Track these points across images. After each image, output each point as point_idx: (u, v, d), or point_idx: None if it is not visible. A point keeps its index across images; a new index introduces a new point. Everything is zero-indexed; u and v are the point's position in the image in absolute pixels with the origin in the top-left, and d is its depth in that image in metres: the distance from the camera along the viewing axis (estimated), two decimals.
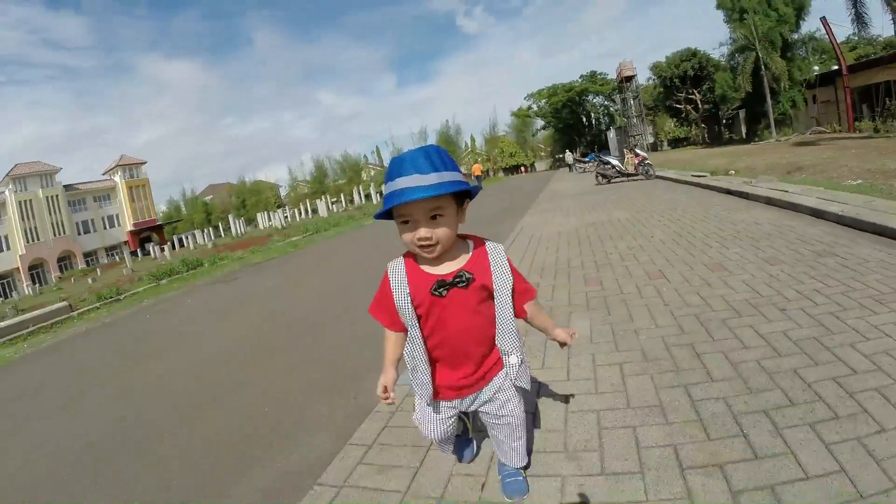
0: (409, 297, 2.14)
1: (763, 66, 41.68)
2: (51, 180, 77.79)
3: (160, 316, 12.26)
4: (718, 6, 47.40)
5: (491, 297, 2.21)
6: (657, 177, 21.34)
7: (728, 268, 5.89)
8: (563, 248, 9.21)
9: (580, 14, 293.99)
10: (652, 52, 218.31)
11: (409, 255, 2.20)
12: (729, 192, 12.48)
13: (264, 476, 3.41)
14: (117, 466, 4.11)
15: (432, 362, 2.31)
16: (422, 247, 2.03)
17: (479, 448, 2.91)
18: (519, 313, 2.32)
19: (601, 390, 3.53)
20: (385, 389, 2.28)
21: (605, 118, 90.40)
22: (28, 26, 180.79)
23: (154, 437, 4.55)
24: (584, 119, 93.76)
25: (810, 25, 44.57)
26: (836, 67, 36.25)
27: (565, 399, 3.45)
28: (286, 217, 70.47)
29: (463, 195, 2.08)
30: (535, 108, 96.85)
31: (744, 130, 53.39)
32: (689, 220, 9.63)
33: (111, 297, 18.98)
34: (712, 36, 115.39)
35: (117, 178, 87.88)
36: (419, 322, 2.20)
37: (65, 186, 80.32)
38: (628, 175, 22.87)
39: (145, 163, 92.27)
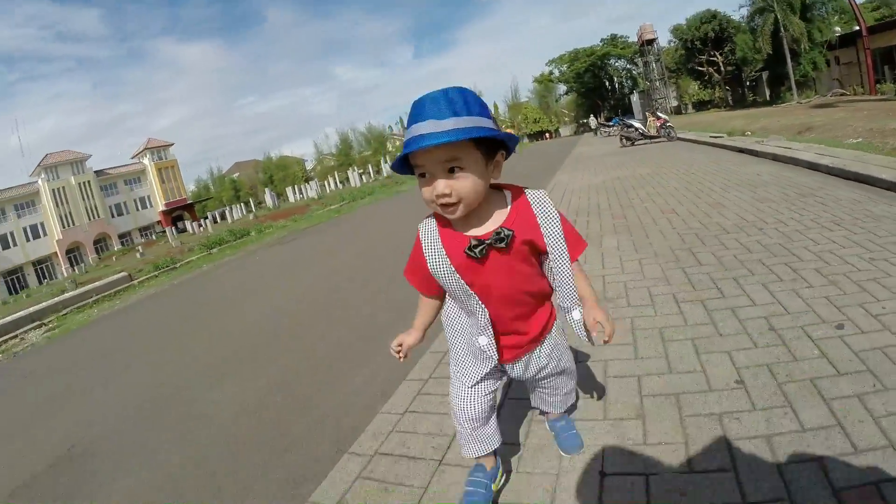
0: (446, 259, 1.89)
1: (782, 28, 42.03)
2: (81, 167, 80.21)
3: (229, 274, 13.97)
4: None
5: (539, 253, 1.96)
6: (679, 138, 22.57)
7: (725, 205, 7.43)
8: (593, 196, 10.88)
9: None
10: (671, 14, 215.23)
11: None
12: (741, 150, 13.80)
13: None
14: (242, 374, 5.35)
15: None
16: (442, 205, 1.76)
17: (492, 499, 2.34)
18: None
19: (626, 272, 5.28)
20: (400, 345, 2.20)
21: (629, 82, 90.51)
22: (42, 21, 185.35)
23: (264, 358, 5.70)
24: (607, 83, 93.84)
25: None
26: (857, 28, 36.24)
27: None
28: (320, 187, 72.47)
29: (494, 145, 1.78)
30: (557, 73, 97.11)
31: (767, 93, 53.76)
32: (701, 174, 11.06)
33: (167, 266, 20.88)
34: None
35: (146, 161, 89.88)
36: (466, 286, 1.94)
37: (95, 172, 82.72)
38: (651, 137, 24.16)
39: (172, 144, 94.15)
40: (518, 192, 1.93)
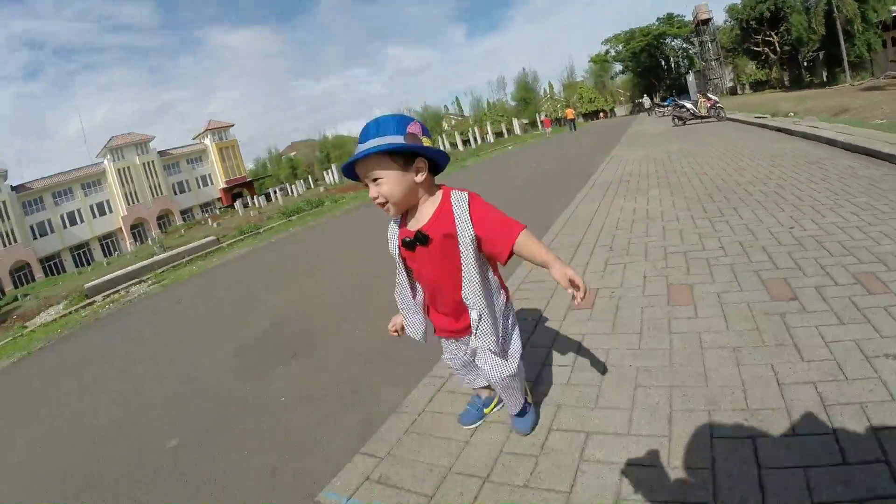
0: (396, 247, 2.39)
1: (835, 8, 42.38)
2: (145, 148, 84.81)
3: (320, 234, 16.05)
4: None
5: (458, 248, 2.23)
6: (728, 118, 24.11)
7: (746, 169, 9.57)
8: (644, 165, 12.97)
9: None
10: None
11: None
12: (779, 129, 15.52)
13: None
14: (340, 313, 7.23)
15: (427, 303, 2.57)
16: (378, 205, 2.20)
17: (482, 420, 2.94)
18: (503, 256, 2.18)
19: (663, 206, 7.58)
20: (394, 325, 2.64)
21: (685, 61, 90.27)
22: (100, 12, 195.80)
23: (365, 298, 6.91)
24: (663, 62, 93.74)
25: None
26: None
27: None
28: None
29: (413, 154, 2.14)
30: (612, 52, 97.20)
31: (824, 73, 53.83)
32: (737, 148, 13.01)
33: (252, 231, 22.96)
34: None
35: (207, 141, 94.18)
36: (405, 269, 2.46)
37: (159, 152, 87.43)
38: (702, 117, 25.80)
39: (232, 125, 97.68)
40: (446, 193, 2.25)
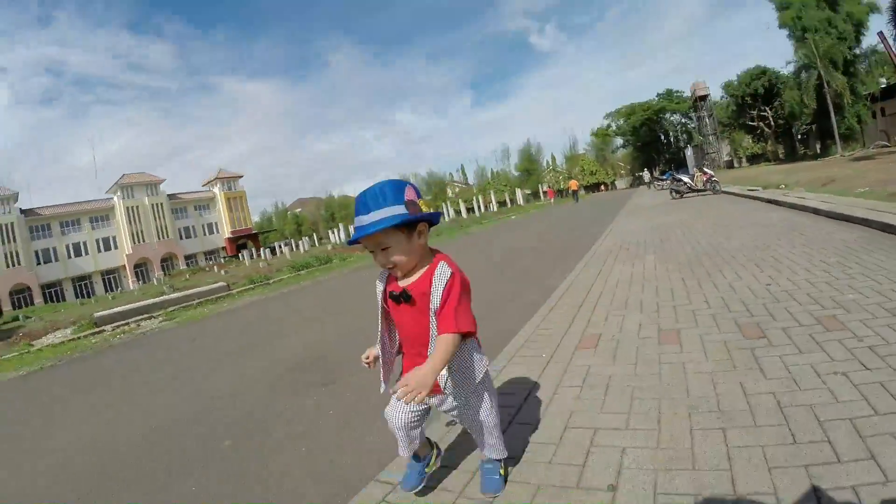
0: (382, 296, 2.59)
1: (826, 84, 43.79)
2: (155, 189, 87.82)
3: (330, 289, 16.78)
4: (781, 25, 49.85)
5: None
6: (723, 191, 25.15)
7: (734, 237, 10.36)
8: (642, 234, 13.75)
9: (651, 29, 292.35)
10: (722, 68, 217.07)
11: None
12: (769, 201, 16.39)
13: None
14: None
15: (404, 353, 2.72)
16: (388, 269, 2.47)
17: (424, 482, 2.94)
18: (439, 329, 2.37)
19: (657, 270, 8.00)
20: (368, 356, 2.74)
21: (684, 135, 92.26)
22: (116, 50, 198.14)
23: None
24: (663, 137, 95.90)
25: (871, 39, 46.11)
26: None
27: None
28: None
29: (416, 222, 2.36)
30: (614, 126, 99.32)
31: (818, 146, 55.44)
32: (728, 219, 13.92)
33: (262, 281, 23.73)
34: (781, 51, 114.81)
35: (216, 190, 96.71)
36: (387, 318, 2.66)
37: (168, 195, 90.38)
38: (698, 190, 26.85)
39: (242, 176, 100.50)
40: (435, 263, 2.41)
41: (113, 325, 15.59)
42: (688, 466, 2.75)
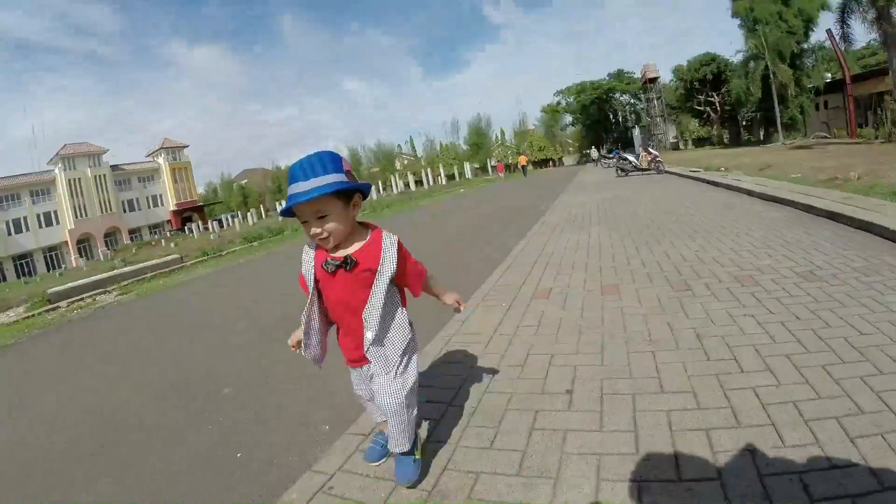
0: (312, 269, 2.55)
1: (771, 74, 45.33)
2: (98, 160, 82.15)
3: (290, 254, 17.19)
4: (734, 14, 51.10)
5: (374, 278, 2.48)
6: (666, 171, 26.14)
7: (673, 211, 11.39)
8: (588, 207, 14.70)
9: (607, 7, 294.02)
10: (676, 52, 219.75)
11: None
12: (709, 182, 17.43)
13: None
14: None
15: (338, 330, 2.74)
16: (320, 241, 2.41)
17: (385, 456, 2.96)
18: (416, 291, 2.72)
19: (601, 237, 8.84)
20: (293, 341, 2.72)
21: (632, 116, 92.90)
22: (55, 10, 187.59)
23: None
24: (612, 116, 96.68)
25: (820, 35, 47.63)
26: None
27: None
28: None
29: (351, 191, 2.39)
30: (564, 104, 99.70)
31: (761, 133, 57.38)
32: (669, 196, 14.92)
33: (215, 254, 23.52)
34: (732, 39, 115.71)
35: (161, 161, 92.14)
36: (318, 291, 2.59)
37: (112, 167, 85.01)
38: (643, 170, 27.85)
39: (187, 146, 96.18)
40: (378, 233, 2.51)
41: (68, 300, 15.28)
42: (626, 376, 3.56)
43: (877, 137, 29.60)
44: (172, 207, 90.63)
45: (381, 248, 2.48)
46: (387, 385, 2.58)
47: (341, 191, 2.32)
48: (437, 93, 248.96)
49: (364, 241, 2.49)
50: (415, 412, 2.74)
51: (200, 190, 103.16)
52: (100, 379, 6.23)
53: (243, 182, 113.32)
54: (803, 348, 3.56)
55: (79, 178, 78.81)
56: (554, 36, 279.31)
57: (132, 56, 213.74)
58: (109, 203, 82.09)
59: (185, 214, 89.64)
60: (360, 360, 2.64)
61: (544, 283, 6.57)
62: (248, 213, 77.39)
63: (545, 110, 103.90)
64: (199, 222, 78.57)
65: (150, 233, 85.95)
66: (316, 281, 2.56)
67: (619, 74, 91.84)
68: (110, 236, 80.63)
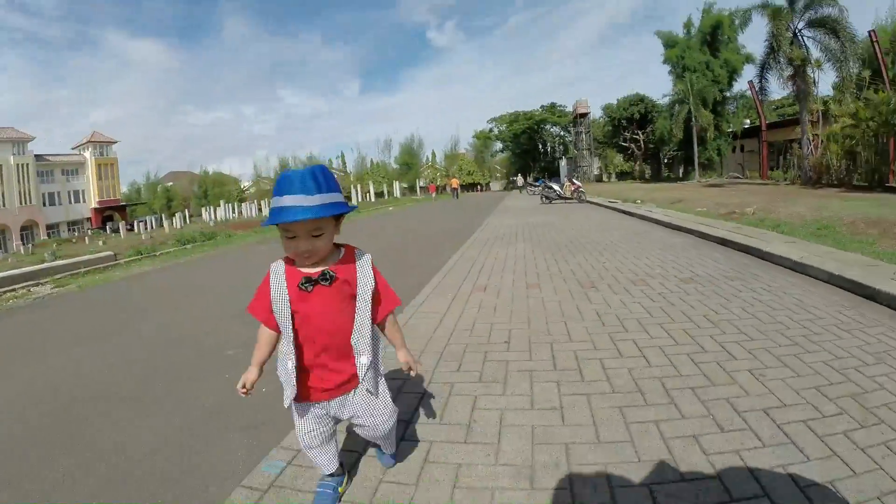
0: (284, 289, 2.33)
1: (694, 118, 48.47)
2: (23, 148, 77.27)
3: (226, 261, 17.73)
4: (665, 61, 54.67)
5: (353, 297, 2.41)
6: (587, 201, 28.44)
7: (587, 235, 13.12)
8: (513, 229, 16.20)
9: (547, 42, 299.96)
10: (607, 89, 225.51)
11: (290, 260, 2.38)
12: (624, 212, 19.45)
13: None
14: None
15: (304, 362, 2.43)
16: (304, 257, 2.29)
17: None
18: (378, 317, 2.50)
19: (525, 252, 10.38)
20: (244, 385, 2.40)
21: (560, 147, 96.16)
22: None
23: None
24: (541, 146, 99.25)
25: (743, 85, 51.33)
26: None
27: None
28: (258, 209, 74.46)
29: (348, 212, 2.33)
30: (496, 131, 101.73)
31: (681, 170, 60.53)
32: (587, 222, 16.82)
33: (149, 253, 22.89)
34: (661, 82, 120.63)
35: (87, 155, 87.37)
36: (292, 318, 2.35)
37: (36, 156, 79.63)
38: (566, 198, 30.10)
39: (117, 142, 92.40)
40: (350, 250, 2.47)
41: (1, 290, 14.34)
42: (546, 334, 5.05)
43: (785, 179, 32.27)
44: (94, 205, 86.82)
45: (355, 264, 2.44)
46: (382, 407, 2.58)
47: (344, 212, 2.28)
48: (374, 110, 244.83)
49: (338, 258, 2.42)
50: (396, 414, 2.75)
51: (123, 189, 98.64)
52: (67, 359, 6.06)
53: (168, 184, 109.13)
54: (671, 320, 5.18)
55: (0, 165, 73.89)
56: (493, 65, 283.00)
57: (68, 40, 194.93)
58: (30, 194, 77.17)
59: (107, 213, 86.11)
60: (336, 387, 2.46)
61: (480, 281, 8.01)
62: (174, 217, 75.91)
63: (478, 136, 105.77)
64: (121, 223, 73.00)
65: (69, 229, 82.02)
66: (290, 304, 2.35)
67: (552, 107, 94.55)
68: (27, 230, 75.67)
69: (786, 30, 29.28)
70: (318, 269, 2.33)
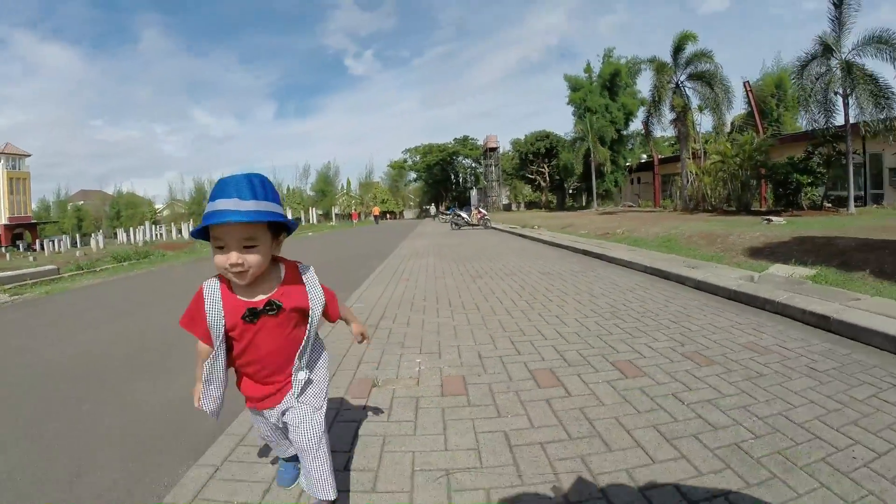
0: (222, 321, 2.14)
1: (592, 154, 53.05)
2: None
3: (171, 275, 19.21)
4: (569, 103, 60.09)
5: (304, 318, 2.30)
6: (492, 227, 32.02)
7: (485, 251, 16.40)
8: (426, 248, 19.22)
9: (461, 75, 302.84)
10: (516, 123, 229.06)
11: (226, 280, 2.18)
12: (521, 235, 22.88)
13: None
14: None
15: (240, 375, 2.38)
16: (234, 273, 2.03)
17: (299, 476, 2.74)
18: (334, 317, 2.49)
19: (432, 264, 13.48)
20: (199, 399, 2.34)
21: (472, 178, 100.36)
22: None
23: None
24: (453, 177, 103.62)
25: (638, 125, 55.89)
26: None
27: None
28: (169, 232, 72.39)
29: (279, 228, 2.14)
30: (410, 161, 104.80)
31: (584, 200, 65.44)
32: (486, 242, 20.19)
33: (89, 269, 22.51)
34: (568, 118, 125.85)
35: None
36: (230, 342, 2.24)
37: None
38: (473, 225, 33.68)
39: (30, 155, 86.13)
40: (292, 266, 2.30)
41: None
42: (447, 299, 8.06)
43: (671, 207, 36.88)
44: (4, 221, 78.07)
45: (304, 284, 2.31)
46: (308, 417, 2.34)
47: (275, 224, 2.10)
48: (288, 134, 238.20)
49: (280, 279, 2.25)
50: (327, 445, 2.44)
51: (33, 206, 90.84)
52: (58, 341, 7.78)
53: (80, 203, 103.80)
54: (524, 291, 8.27)
55: None
56: (409, 95, 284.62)
57: None
58: None
59: (16, 231, 79.07)
60: (272, 401, 2.37)
61: (403, 276, 11.05)
62: (90, 237, 69.33)
63: (392, 166, 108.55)
64: (30, 241, 71.56)
65: None
66: (226, 332, 2.18)
67: (464, 140, 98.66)
68: None
69: (668, 82, 33.83)
70: (262, 298, 2.18)
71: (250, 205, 1.93)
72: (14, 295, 13.96)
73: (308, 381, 2.37)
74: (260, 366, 2.29)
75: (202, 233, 2.02)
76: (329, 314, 2.45)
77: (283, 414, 2.37)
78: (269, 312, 2.16)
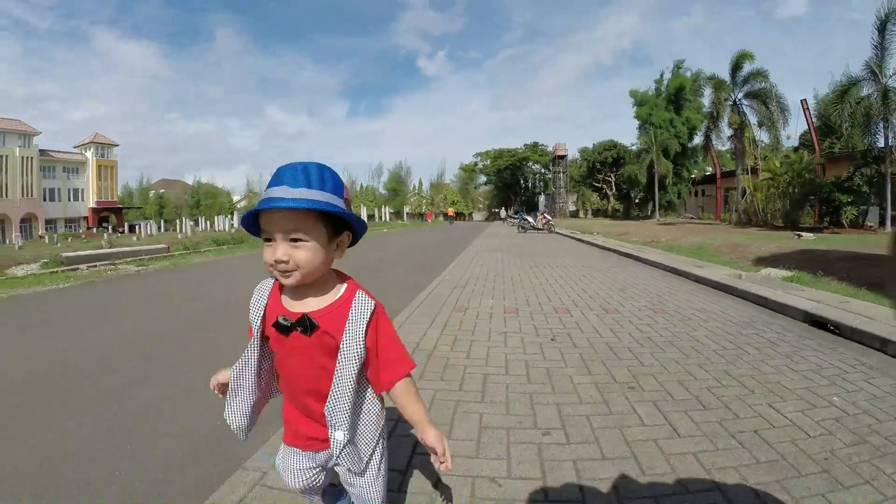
0: (259, 322, 1.84)
1: (654, 166, 55.08)
2: (29, 141, 76.87)
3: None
4: (635, 117, 62.76)
5: (334, 354, 1.78)
6: (555, 232, 34.74)
7: (547, 251, 19.41)
8: (496, 247, 22.15)
9: (531, 78, 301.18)
10: (586, 130, 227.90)
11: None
12: (579, 239, 25.75)
13: None
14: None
15: (283, 392, 2.01)
16: (280, 271, 1.69)
17: None
18: (382, 386, 1.84)
19: (502, 259, 16.68)
20: (215, 383, 2.01)
21: (540, 183, 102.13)
22: None
23: None
24: (522, 181, 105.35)
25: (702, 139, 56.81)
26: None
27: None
28: None
29: (342, 225, 1.77)
30: (481, 165, 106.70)
31: (649, 210, 66.62)
32: (547, 244, 23.15)
33: (194, 249, 25.69)
34: (634, 125, 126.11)
35: (89, 155, 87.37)
36: (262, 348, 1.90)
37: (40, 151, 79.33)
38: (538, 229, 36.51)
39: (118, 145, 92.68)
40: (353, 289, 1.83)
41: (87, 265, 16.23)
42: (510, 277, 11.27)
43: (729, 220, 37.73)
44: (92, 204, 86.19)
45: (349, 311, 1.77)
46: (368, 486, 1.98)
47: (333, 218, 1.71)
48: (360, 133, 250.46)
49: (333, 298, 1.81)
50: None
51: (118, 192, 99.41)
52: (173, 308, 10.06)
53: (161, 191, 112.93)
54: (568, 278, 11.33)
55: (6, 156, 73.17)
56: (478, 97, 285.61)
57: (60, 36, 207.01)
58: (31, 188, 76.51)
59: (103, 214, 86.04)
60: (316, 441, 1.92)
61: (478, 263, 14.20)
62: (183, 223, 73.79)
63: (464, 168, 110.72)
64: (115, 224, 76.80)
65: (66, 226, 79.88)
66: (263, 338, 1.88)
67: (534, 146, 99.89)
68: (26, 222, 75.01)
69: (725, 99, 35.99)
70: (300, 312, 1.76)
71: (300, 192, 1.60)
72: (140, 266, 16.42)
73: (352, 445, 1.87)
74: (290, 395, 1.94)
75: (254, 226, 1.73)
76: (377, 377, 1.84)
77: (335, 472, 2.08)
78: (299, 328, 1.74)
